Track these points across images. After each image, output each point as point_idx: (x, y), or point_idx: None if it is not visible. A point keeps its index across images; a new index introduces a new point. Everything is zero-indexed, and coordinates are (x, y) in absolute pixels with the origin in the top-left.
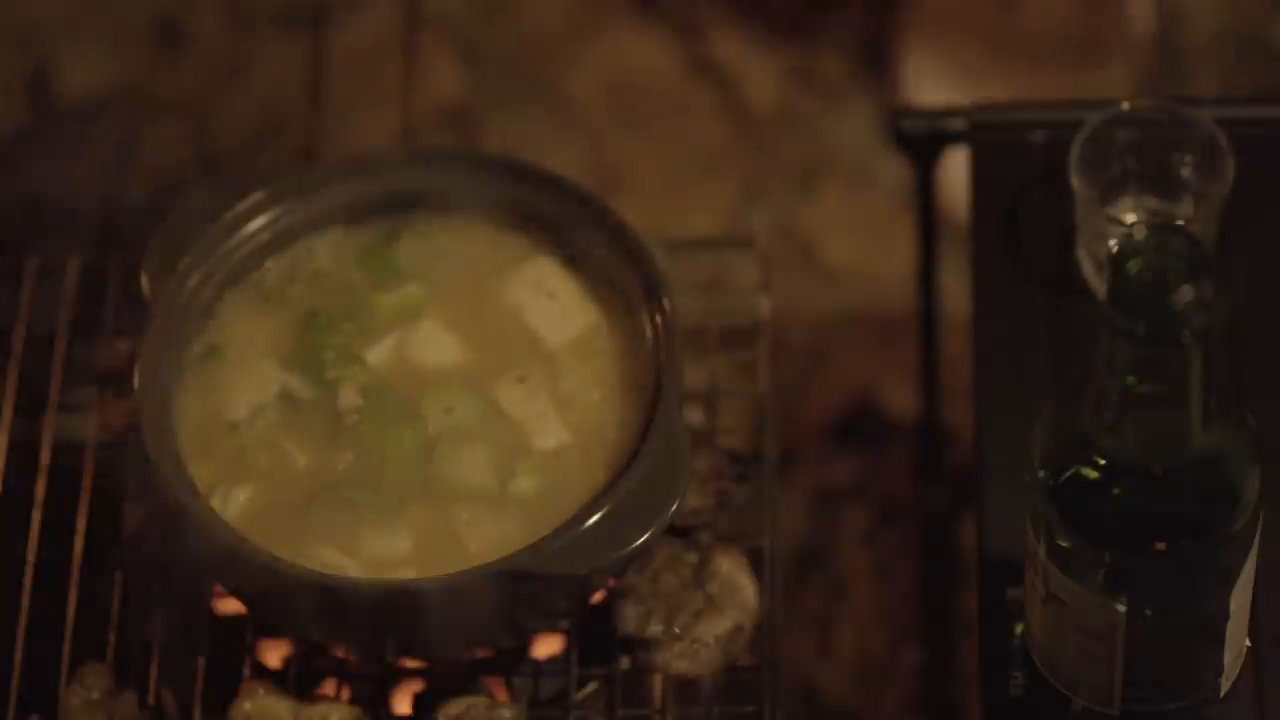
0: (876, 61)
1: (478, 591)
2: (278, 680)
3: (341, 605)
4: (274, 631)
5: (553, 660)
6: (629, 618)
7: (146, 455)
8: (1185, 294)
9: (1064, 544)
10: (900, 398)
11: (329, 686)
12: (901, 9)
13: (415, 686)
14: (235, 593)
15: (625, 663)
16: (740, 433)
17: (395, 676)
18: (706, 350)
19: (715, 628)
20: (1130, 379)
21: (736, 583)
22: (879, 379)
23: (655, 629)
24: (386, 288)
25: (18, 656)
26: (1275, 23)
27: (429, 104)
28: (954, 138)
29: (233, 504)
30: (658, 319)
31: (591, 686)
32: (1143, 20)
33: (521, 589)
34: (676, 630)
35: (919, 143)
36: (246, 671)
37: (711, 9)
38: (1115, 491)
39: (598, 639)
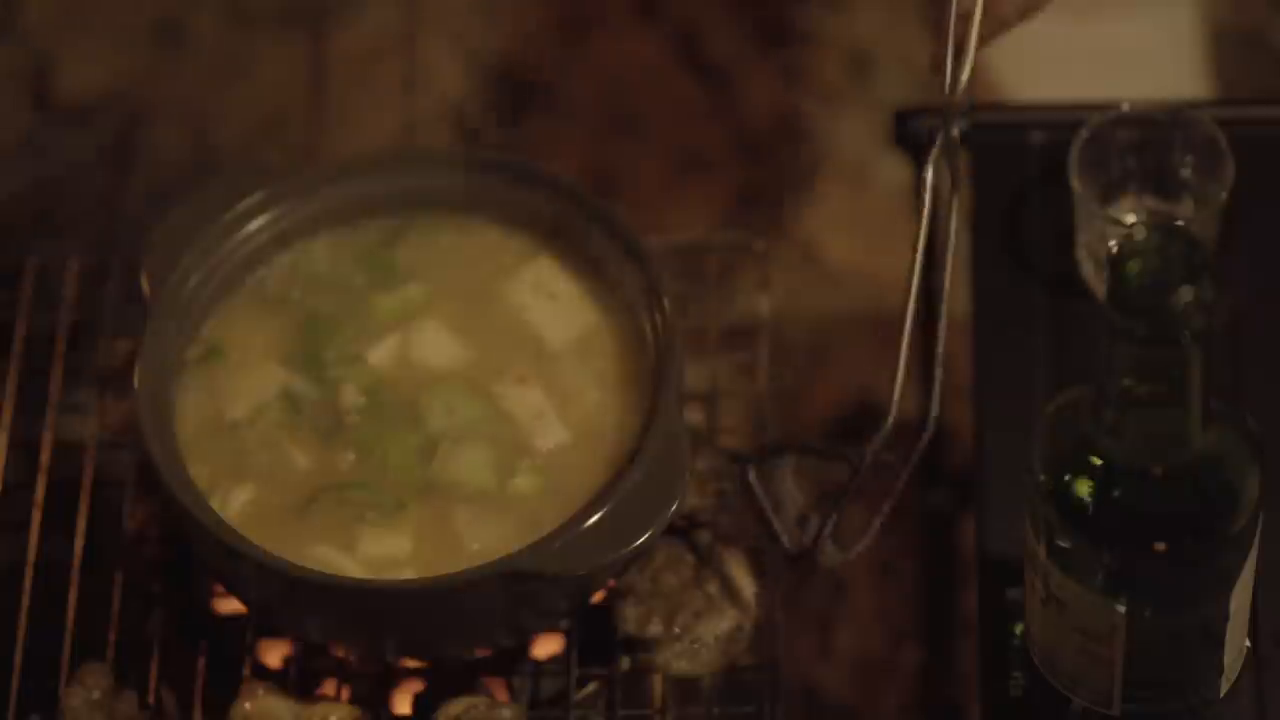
0: (876, 61)
1: (478, 591)
2: (278, 680)
3: (341, 605)
4: (274, 631)
5: (553, 660)
6: (629, 618)
7: (146, 455)
8: (1185, 294)
9: (1064, 544)
10: (900, 397)
11: (329, 686)
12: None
13: (415, 686)
14: (235, 593)
15: (625, 663)
16: (740, 433)
17: (395, 676)
18: (706, 350)
19: (715, 628)
20: (1130, 380)
21: (736, 583)
22: (879, 379)
23: (655, 629)
24: (387, 288)
25: (18, 656)
26: (1275, 23)
27: (429, 104)
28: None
29: (233, 504)
30: (658, 319)
31: (591, 686)
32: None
33: (521, 589)
34: (676, 630)
35: (919, 143)
36: (246, 671)
37: (710, 9)
38: (1115, 492)
39: (598, 639)
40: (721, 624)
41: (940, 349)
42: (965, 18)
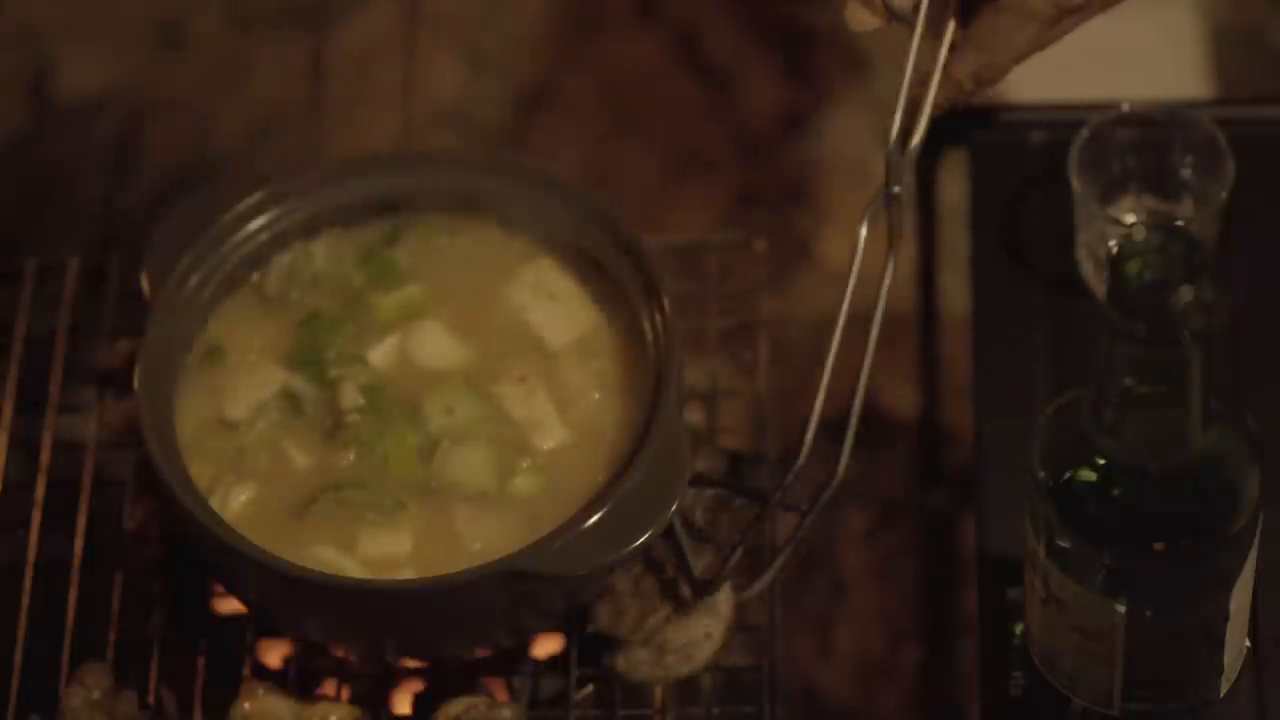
0: (876, 61)
1: (478, 591)
2: (278, 680)
3: (341, 605)
4: (274, 631)
5: (553, 660)
6: (599, 616)
7: (147, 455)
8: (1185, 295)
9: (1064, 544)
10: (900, 398)
11: (329, 686)
12: None
13: (415, 686)
14: (235, 593)
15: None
16: (740, 433)
17: (395, 676)
18: (706, 350)
19: (682, 634)
20: (1130, 380)
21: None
22: (879, 379)
23: (622, 630)
24: (387, 288)
25: (18, 656)
26: (1275, 23)
27: (429, 104)
28: (954, 138)
29: (233, 504)
30: (658, 319)
31: (591, 686)
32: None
33: (521, 589)
34: (643, 634)
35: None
36: (246, 671)
37: (710, 9)
38: (1115, 492)
39: (598, 639)
40: (689, 630)
41: (856, 416)
42: (922, 78)
